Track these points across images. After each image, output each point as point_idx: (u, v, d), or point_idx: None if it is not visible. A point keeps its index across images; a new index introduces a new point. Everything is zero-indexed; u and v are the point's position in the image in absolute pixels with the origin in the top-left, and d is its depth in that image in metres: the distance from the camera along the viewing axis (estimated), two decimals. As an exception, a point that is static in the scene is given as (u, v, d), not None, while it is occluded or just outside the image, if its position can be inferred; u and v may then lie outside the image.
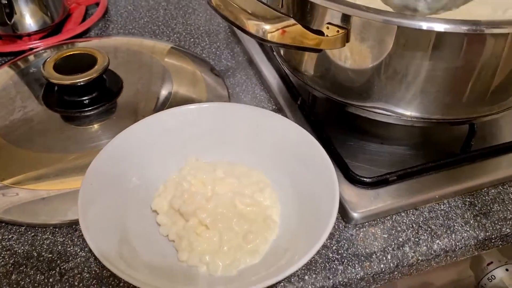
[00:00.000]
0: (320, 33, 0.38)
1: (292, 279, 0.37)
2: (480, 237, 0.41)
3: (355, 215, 0.41)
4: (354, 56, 0.41)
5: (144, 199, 0.40)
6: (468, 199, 0.44)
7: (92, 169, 0.37)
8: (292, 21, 0.36)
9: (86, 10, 0.70)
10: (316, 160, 0.39)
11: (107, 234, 0.34)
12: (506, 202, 0.43)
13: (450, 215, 0.42)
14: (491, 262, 0.50)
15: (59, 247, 0.40)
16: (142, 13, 0.70)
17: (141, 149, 0.41)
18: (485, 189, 0.45)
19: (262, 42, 0.36)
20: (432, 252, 0.40)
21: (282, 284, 0.37)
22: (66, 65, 0.48)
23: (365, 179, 0.43)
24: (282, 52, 0.50)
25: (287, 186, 0.41)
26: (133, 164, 0.40)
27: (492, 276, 0.50)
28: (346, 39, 0.39)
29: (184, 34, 0.66)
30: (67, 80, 0.46)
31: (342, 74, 0.43)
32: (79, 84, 0.47)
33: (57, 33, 0.64)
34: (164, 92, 0.53)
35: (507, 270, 0.49)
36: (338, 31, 0.38)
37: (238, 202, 0.39)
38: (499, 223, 0.42)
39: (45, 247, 0.40)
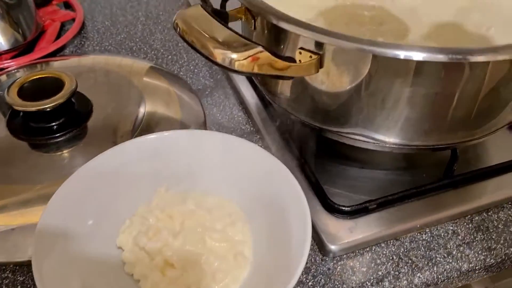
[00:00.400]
0: (291, 59, 0.36)
1: (265, 320, 0.35)
2: (463, 269, 0.39)
3: (333, 247, 0.39)
4: (329, 81, 0.39)
5: (111, 235, 0.38)
6: (451, 228, 0.42)
7: (44, 222, 0.35)
8: (260, 48, 0.34)
9: (62, 26, 0.68)
10: (288, 190, 0.37)
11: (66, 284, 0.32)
12: (491, 230, 0.42)
13: (432, 246, 0.40)
14: (478, 290, 0.48)
15: (19, 287, 0.37)
16: (120, 28, 0.68)
17: (105, 183, 0.39)
18: (469, 216, 0.43)
19: (230, 71, 0.35)
20: (413, 286, 0.38)
21: (254, 325, 0.35)
22: (31, 90, 0.46)
23: (343, 208, 0.41)
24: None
25: (260, 217, 0.39)
26: (96, 201, 0.38)
27: (479, 304, 0.48)
28: (319, 64, 0.37)
29: (162, 51, 0.64)
30: (32, 106, 0.44)
31: (318, 98, 0.41)
32: (45, 110, 0.45)
33: (30, 52, 0.62)
34: (136, 114, 0.50)
35: (493, 296, 0.47)
36: (311, 56, 0.37)
37: (208, 237, 0.37)
38: (483, 254, 0.40)
39: (3, 287, 0.37)
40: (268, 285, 0.34)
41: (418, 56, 0.32)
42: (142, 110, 0.51)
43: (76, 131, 0.47)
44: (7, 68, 0.59)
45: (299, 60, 0.37)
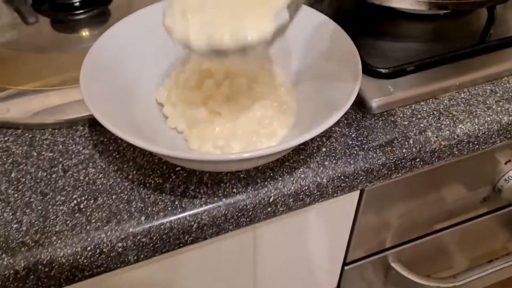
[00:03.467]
0: None
1: (312, 165, 0.35)
2: (503, 122, 0.39)
3: (373, 104, 0.39)
4: None
5: (147, 92, 0.37)
6: (488, 87, 0.42)
7: (91, 54, 0.34)
8: None
9: None
10: (339, 46, 0.37)
11: (113, 112, 0.32)
12: (528, 88, 0.41)
13: (471, 102, 0.40)
14: (509, 161, 0.48)
15: (60, 146, 0.37)
16: None
17: (144, 40, 0.38)
18: (505, 77, 0.43)
19: None
20: (455, 136, 0.38)
21: (301, 170, 0.35)
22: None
23: (382, 70, 0.41)
24: None
25: (307, 68, 0.38)
26: (134, 55, 0.37)
27: (510, 177, 0.49)
28: None
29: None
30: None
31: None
32: (69, -16, 0.43)
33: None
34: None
35: (524, 169, 0.48)
36: None
37: (254, 85, 0.36)
38: (522, 108, 0.40)
39: (45, 147, 0.37)
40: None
41: None
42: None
43: (98, 10, 0.46)
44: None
45: None
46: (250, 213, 0.34)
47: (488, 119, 0.39)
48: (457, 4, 0.40)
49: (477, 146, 0.40)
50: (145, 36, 0.38)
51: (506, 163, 0.48)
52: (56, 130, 0.38)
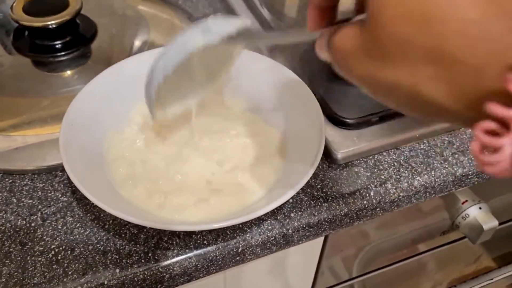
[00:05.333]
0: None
1: (279, 217, 0.38)
2: (458, 174, 0.42)
3: (339, 155, 0.42)
4: None
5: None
6: (446, 138, 0.45)
7: (72, 110, 0.36)
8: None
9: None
10: (303, 101, 0.39)
11: (90, 171, 0.34)
12: (482, 140, 0.45)
13: (429, 154, 0.43)
14: (466, 201, 0.51)
15: (39, 192, 0.38)
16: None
17: (126, 87, 0.39)
18: (462, 129, 0.46)
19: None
20: (413, 188, 0.41)
21: (269, 221, 0.37)
22: (36, 8, 0.46)
23: (348, 121, 0.43)
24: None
25: (275, 127, 0.41)
26: (112, 104, 0.39)
27: (466, 215, 0.52)
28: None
29: (157, -19, 0.63)
30: (37, 22, 0.44)
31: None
32: (50, 27, 0.44)
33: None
34: (140, 39, 0.51)
35: (480, 208, 0.51)
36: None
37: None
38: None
39: (24, 193, 0.38)
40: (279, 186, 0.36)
41: None
42: (145, 36, 0.51)
43: (80, 52, 0.48)
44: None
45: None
46: (220, 262, 0.36)
47: (444, 171, 0.42)
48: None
49: (433, 195, 0.43)
50: (130, 83, 0.40)
51: (463, 203, 0.52)
52: (36, 176, 0.40)
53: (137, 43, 0.51)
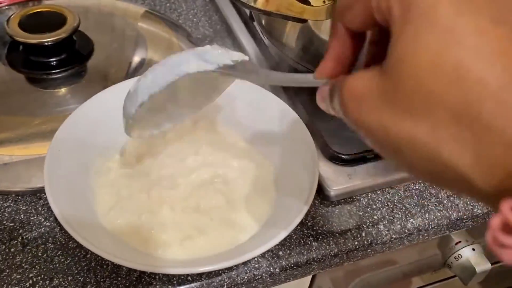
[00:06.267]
0: (306, 2, 0.36)
1: (266, 255, 0.37)
2: (452, 217, 0.41)
3: (332, 192, 0.41)
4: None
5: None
6: (442, 180, 0.44)
7: (59, 135, 0.35)
8: (278, -13, 0.34)
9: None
10: (297, 137, 0.38)
11: (74, 201, 0.33)
12: (479, 183, 0.44)
13: (424, 195, 0.42)
14: (459, 242, 0.51)
15: (22, 215, 0.37)
16: (116, -27, 0.66)
17: (111, 116, 0.38)
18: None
19: (247, 8, 0.35)
20: (406, 230, 0.40)
21: (255, 259, 0.36)
22: (32, 23, 0.45)
23: (343, 156, 0.42)
24: (263, 22, 0.48)
25: (269, 159, 0.40)
26: (101, 131, 0.38)
27: (459, 255, 0.51)
28: (331, 11, 0.37)
29: (160, -2, 0.63)
30: (33, 39, 0.43)
31: (325, 48, 0.42)
32: (46, 44, 0.44)
33: (22, -11, 0.59)
34: (137, 58, 0.50)
35: (473, 249, 0.50)
36: (324, 1, 0.37)
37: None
38: (471, 204, 0.42)
39: (6, 215, 0.37)
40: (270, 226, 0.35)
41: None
42: (143, 54, 0.50)
43: (76, 69, 0.47)
44: (-1, 4, 0.56)
45: (312, 5, 0.37)
46: (203, 299, 0.35)
47: (438, 214, 0.41)
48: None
49: (427, 237, 0.42)
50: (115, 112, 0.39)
51: (457, 244, 0.51)
52: (20, 197, 0.39)
53: (135, 61, 0.50)
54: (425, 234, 0.41)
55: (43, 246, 0.36)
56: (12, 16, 0.45)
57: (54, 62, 0.46)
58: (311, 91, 0.46)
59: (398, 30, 0.18)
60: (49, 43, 0.44)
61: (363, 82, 0.20)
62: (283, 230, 0.32)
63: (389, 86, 0.18)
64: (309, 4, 0.36)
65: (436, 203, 0.42)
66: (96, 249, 0.29)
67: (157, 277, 0.34)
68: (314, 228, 0.39)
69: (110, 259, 0.29)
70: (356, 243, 0.39)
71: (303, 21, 0.38)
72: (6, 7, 0.56)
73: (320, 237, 0.38)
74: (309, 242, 0.38)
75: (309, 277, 0.47)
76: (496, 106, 0.16)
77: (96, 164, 0.37)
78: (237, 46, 0.56)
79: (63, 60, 0.46)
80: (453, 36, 0.16)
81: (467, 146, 0.16)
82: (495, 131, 0.16)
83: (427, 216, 0.41)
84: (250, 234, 0.35)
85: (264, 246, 0.31)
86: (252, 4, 0.35)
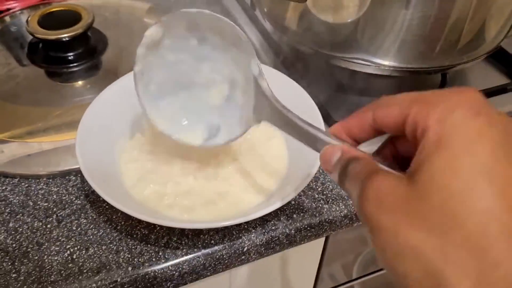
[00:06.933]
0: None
1: (282, 218, 0.40)
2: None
3: (338, 159, 0.44)
4: (335, 9, 0.43)
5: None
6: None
7: (86, 116, 0.38)
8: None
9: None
10: (305, 110, 0.41)
11: (104, 176, 0.36)
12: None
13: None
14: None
15: (54, 196, 0.40)
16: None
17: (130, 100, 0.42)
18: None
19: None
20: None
21: (272, 222, 0.39)
22: (50, 22, 0.48)
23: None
24: (265, 9, 0.51)
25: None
26: (122, 113, 0.41)
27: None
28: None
29: (163, -5, 0.66)
30: (51, 35, 0.46)
31: (324, 28, 0.45)
32: (64, 39, 0.47)
33: (32, -6, 0.63)
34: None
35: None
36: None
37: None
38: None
39: (40, 196, 0.40)
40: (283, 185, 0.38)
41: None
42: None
43: (91, 63, 0.50)
44: (12, 8, 0.60)
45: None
46: (226, 261, 0.38)
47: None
48: (413, 72, 0.45)
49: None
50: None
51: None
52: (51, 180, 0.42)
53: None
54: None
55: (76, 221, 0.39)
56: (31, 16, 0.48)
57: (72, 57, 0.49)
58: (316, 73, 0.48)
59: (433, 149, 0.19)
60: (67, 39, 0.47)
61: (390, 184, 0.21)
62: (294, 191, 0.35)
63: (415, 197, 0.19)
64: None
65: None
66: (127, 209, 0.32)
67: (183, 242, 0.37)
68: (324, 192, 0.42)
69: (143, 218, 0.32)
70: (364, 204, 0.42)
71: (303, 0, 0.41)
72: (19, 11, 0.60)
73: (330, 200, 0.41)
74: (320, 205, 0.41)
75: (315, 274, 0.50)
76: (508, 247, 0.17)
77: (120, 143, 0.40)
78: (240, 34, 0.59)
79: (80, 54, 0.49)
80: (488, 182, 0.18)
81: (471, 274, 0.17)
82: (501, 269, 0.17)
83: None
84: (266, 195, 0.38)
85: (279, 202, 0.34)
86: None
